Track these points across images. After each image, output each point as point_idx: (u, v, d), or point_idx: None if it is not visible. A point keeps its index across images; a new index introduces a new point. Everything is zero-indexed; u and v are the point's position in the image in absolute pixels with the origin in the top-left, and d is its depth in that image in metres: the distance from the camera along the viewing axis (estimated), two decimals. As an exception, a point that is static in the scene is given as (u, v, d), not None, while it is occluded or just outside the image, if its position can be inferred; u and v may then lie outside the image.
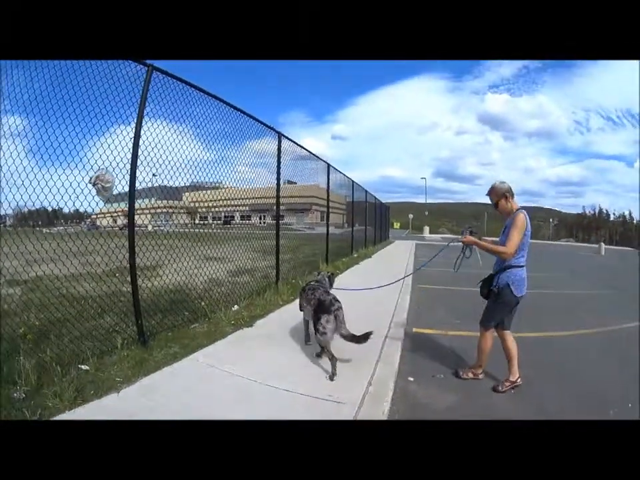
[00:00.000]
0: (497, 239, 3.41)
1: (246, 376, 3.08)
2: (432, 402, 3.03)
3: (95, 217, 5.87)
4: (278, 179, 6.41)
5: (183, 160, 4.63)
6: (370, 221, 19.77)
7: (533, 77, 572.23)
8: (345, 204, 14.19)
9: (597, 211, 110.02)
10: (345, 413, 2.51)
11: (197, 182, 5.84)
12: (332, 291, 3.80)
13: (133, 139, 3.53)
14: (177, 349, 3.63)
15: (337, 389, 2.89)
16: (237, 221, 6.83)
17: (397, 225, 69.99)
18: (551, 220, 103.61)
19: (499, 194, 3.24)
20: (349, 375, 3.16)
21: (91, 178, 3.66)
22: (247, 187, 6.54)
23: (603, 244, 32.59)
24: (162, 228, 6.54)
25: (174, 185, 4.94)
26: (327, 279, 4.05)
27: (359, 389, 2.90)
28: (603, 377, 3.64)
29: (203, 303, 4.76)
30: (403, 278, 6.17)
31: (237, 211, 6.70)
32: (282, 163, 7.30)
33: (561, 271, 14.46)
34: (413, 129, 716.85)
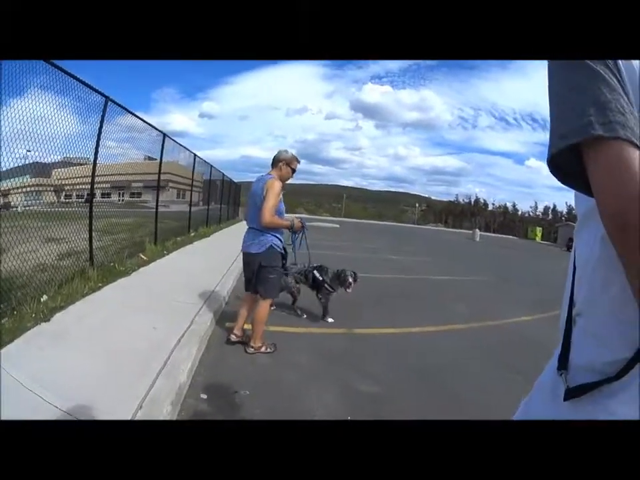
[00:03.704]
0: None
1: (27, 385, 2.76)
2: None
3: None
4: (97, 148, 5.65)
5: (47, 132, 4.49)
6: (216, 198, 18.51)
7: (423, 73, 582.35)
8: (202, 182, 13.58)
9: (472, 200, 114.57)
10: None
11: (66, 157, 5.32)
12: None
13: None
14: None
15: (112, 401, 2.73)
16: (98, 199, 6.23)
17: (252, 204, 68.66)
18: (417, 205, 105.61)
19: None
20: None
21: None
22: (109, 162, 5.98)
23: (477, 230, 33.61)
24: (31, 208, 5.81)
25: (43, 161, 4.74)
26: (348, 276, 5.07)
27: (133, 403, 2.82)
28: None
29: (19, 293, 4.13)
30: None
31: (98, 188, 6.09)
32: (142, 138, 7.54)
33: (430, 256, 15.28)
34: (282, 111, 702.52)
